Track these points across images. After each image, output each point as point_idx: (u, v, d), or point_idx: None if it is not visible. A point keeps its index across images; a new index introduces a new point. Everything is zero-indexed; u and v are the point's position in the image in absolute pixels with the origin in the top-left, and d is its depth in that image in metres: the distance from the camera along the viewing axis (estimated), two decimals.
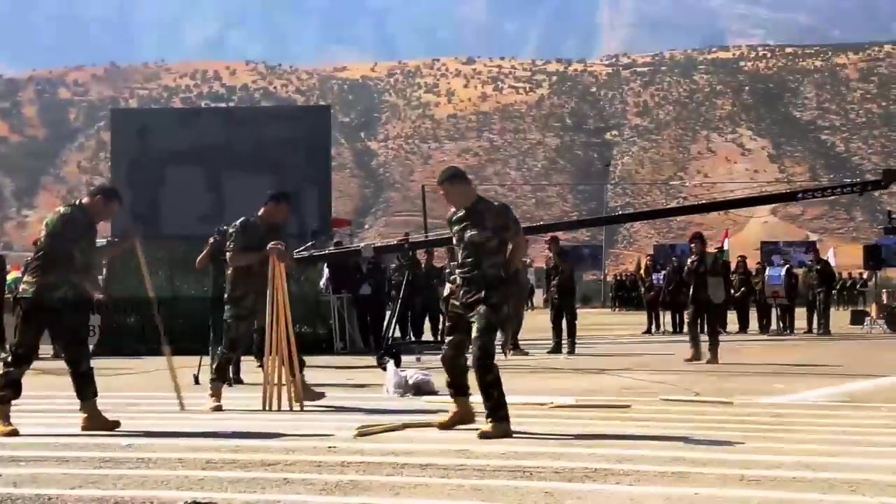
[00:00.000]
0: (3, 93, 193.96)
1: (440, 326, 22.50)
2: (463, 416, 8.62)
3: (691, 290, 17.56)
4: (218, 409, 10.12)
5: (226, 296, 10.61)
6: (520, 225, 8.75)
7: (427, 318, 22.68)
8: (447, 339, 8.79)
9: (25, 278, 8.79)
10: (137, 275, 9.14)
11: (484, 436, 8.10)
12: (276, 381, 10.29)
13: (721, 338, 24.61)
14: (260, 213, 10.71)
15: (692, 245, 17.95)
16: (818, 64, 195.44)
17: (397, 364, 12.86)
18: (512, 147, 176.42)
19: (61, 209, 8.84)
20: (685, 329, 27.09)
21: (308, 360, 11.30)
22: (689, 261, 18.04)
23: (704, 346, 16.66)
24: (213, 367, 11.10)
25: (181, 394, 8.64)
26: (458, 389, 8.67)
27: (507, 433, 8.13)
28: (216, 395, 10.35)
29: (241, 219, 10.62)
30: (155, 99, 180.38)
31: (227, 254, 10.56)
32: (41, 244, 8.72)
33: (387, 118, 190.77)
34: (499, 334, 9.10)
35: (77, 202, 8.87)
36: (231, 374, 13.22)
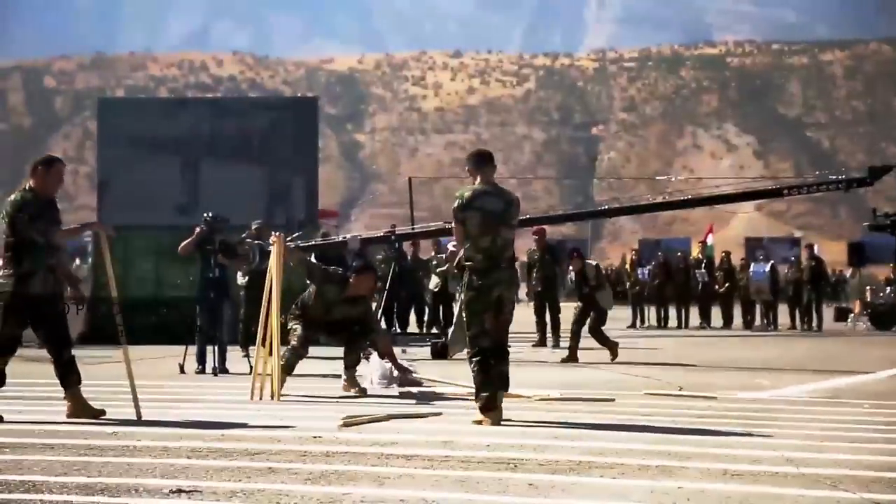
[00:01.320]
0: None
1: (425, 318, 22.53)
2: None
3: (581, 304, 16.15)
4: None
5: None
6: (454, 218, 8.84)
7: (413, 310, 22.67)
8: None
9: (2, 272, 8.76)
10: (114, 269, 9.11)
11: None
12: (263, 371, 10.31)
13: (705, 333, 24.90)
14: (351, 279, 11.07)
15: (571, 263, 16.60)
16: (804, 61, 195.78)
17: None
18: (498, 141, 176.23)
19: (12, 197, 8.87)
20: (670, 324, 27.30)
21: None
22: (572, 279, 16.64)
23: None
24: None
25: (139, 403, 8.64)
26: None
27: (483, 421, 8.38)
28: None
29: (340, 270, 11.42)
30: (141, 89, 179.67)
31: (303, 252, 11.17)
32: (6, 236, 8.72)
33: (374, 110, 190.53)
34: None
35: (26, 185, 8.88)
36: (216, 363, 13.27)
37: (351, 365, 10.89)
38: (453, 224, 8.78)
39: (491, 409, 8.43)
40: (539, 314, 18.98)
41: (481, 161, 8.84)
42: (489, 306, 8.61)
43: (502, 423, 8.39)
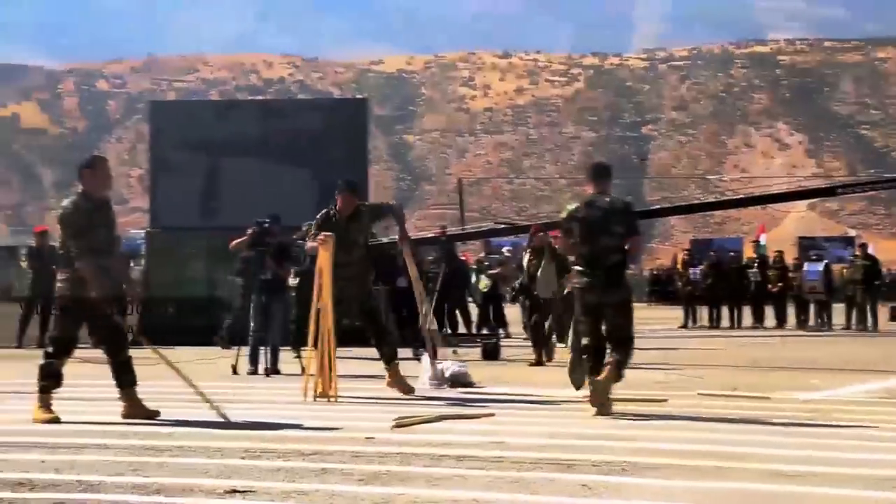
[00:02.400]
0: (43, 85, 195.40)
1: (473, 320, 22.50)
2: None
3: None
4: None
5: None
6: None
7: (458, 311, 22.55)
8: None
9: (59, 276, 8.86)
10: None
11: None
12: (315, 371, 10.30)
13: (758, 333, 24.71)
14: (337, 203, 10.89)
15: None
16: (857, 58, 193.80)
17: (433, 356, 12.86)
18: (548, 141, 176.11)
19: (64, 202, 8.97)
20: (722, 324, 27.10)
21: (344, 351, 11.33)
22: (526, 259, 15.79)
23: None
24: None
25: (212, 402, 8.68)
26: None
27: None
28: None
29: (322, 210, 10.98)
30: (192, 91, 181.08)
31: (307, 244, 10.96)
32: (61, 240, 8.80)
33: (423, 111, 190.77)
34: None
35: (79, 190, 8.97)
36: (268, 364, 13.32)
37: (388, 359, 10.70)
38: (560, 234, 9.63)
39: (592, 402, 8.99)
40: None
41: (594, 173, 9.47)
42: (589, 311, 9.21)
43: (609, 415, 8.88)
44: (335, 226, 10.69)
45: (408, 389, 10.68)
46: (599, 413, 8.90)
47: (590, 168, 9.61)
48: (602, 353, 9.21)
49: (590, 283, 9.13)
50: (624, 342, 9.20)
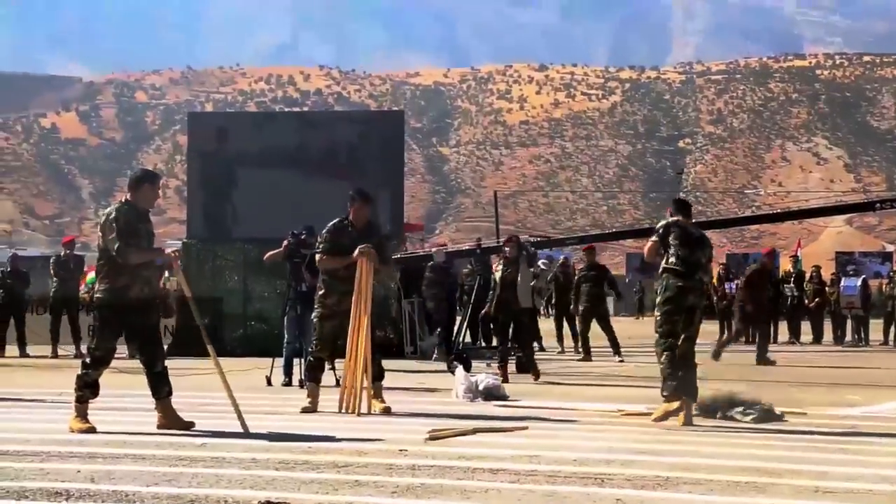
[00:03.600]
0: (82, 96, 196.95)
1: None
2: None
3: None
4: (308, 410, 10.17)
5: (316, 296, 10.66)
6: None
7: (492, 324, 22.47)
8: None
9: (98, 285, 8.92)
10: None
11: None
12: (351, 384, 10.24)
13: (794, 348, 24.53)
14: (350, 214, 10.60)
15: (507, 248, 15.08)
16: None
17: (467, 369, 12.86)
18: (584, 154, 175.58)
19: (109, 208, 9.05)
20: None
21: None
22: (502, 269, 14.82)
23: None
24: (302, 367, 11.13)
25: (242, 416, 8.68)
26: None
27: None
28: (310, 395, 10.40)
29: (334, 220, 10.65)
30: (230, 103, 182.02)
31: (317, 256, 10.58)
32: (102, 248, 8.85)
33: (459, 124, 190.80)
34: None
35: (123, 199, 9.01)
36: (302, 376, 13.33)
37: (375, 377, 10.32)
38: (652, 238, 9.97)
39: (672, 399, 9.29)
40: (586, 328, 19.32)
41: (681, 206, 10.19)
42: (681, 310, 9.58)
43: (691, 425, 9.25)
44: (348, 237, 10.41)
45: (386, 410, 10.19)
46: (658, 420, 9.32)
47: (674, 202, 10.36)
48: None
49: (691, 285, 9.63)
50: (693, 353, 9.72)
